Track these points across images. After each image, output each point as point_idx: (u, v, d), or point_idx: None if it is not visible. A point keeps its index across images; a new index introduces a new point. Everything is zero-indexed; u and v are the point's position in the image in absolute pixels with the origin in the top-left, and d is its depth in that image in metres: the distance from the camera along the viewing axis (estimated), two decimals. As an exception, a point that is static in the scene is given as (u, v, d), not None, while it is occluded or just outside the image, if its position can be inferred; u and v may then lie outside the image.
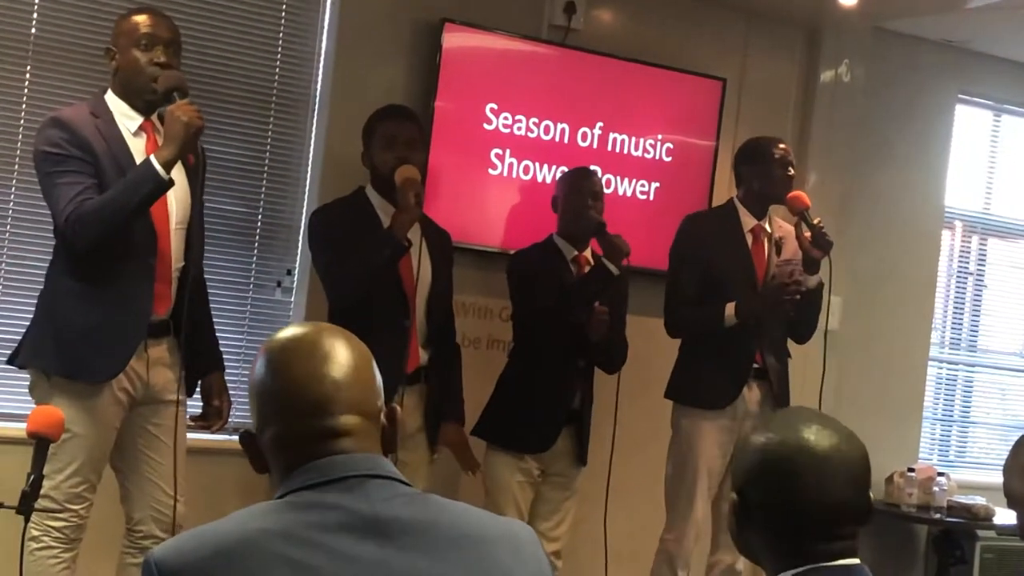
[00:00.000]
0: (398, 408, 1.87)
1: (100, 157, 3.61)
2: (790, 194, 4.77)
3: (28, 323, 3.77)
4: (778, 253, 4.81)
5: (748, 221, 4.84)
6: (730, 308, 4.65)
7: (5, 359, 3.91)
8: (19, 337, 3.80)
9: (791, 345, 4.99)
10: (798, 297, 4.63)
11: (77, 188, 3.56)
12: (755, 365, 4.79)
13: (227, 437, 4.77)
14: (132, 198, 3.56)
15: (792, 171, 4.83)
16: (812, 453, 1.97)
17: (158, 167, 3.54)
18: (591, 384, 4.74)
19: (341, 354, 1.79)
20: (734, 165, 5.00)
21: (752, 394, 4.79)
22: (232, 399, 4.01)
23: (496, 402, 4.71)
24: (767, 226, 4.87)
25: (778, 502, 1.98)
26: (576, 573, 5.10)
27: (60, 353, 3.63)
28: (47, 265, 3.79)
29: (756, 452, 2.01)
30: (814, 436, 1.98)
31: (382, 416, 1.83)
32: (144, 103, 3.72)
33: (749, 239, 4.83)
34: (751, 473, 2.01)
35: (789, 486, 1.97)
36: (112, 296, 3.66)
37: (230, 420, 4.02)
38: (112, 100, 3.71)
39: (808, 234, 4.72)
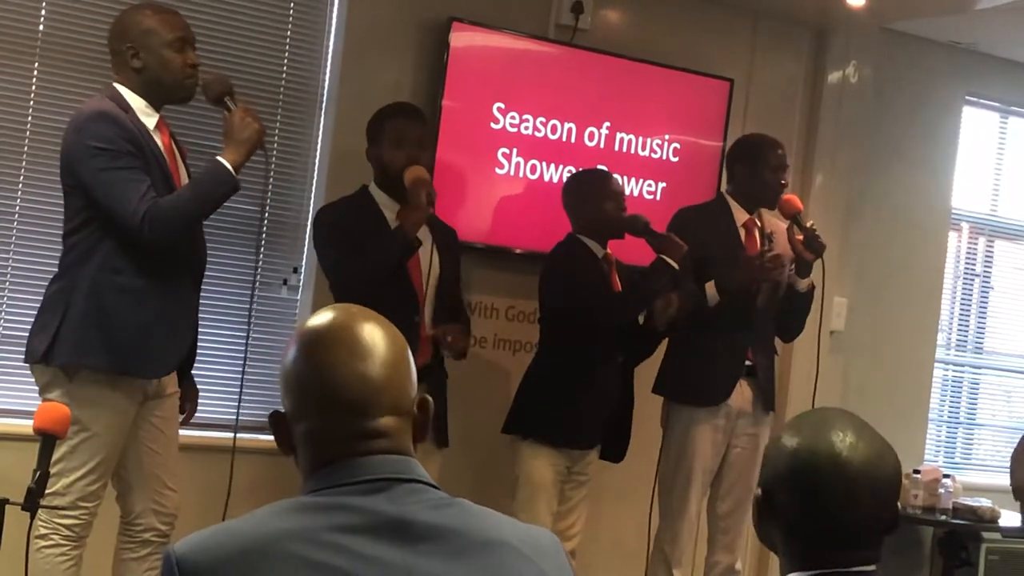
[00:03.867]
0: (430, 400, 1.84)
1: (145, 153, 3.65)
2: (783, 197, 4.78)
3: (51, 320, 3.63)
4: (769, 247, 4.81)
5: (740, 216, 4.85)
6: (710, 286, 4.65)
7: (12, 353, 3.92)
8: (26, 331, 3.78)
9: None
10: (775, 272, 4.65)
11: (143, 185, 3.59)
12: (746, 363, 4.80)
13: (226, 435, 4.78)
14: (209, 199, 3.67)
15: (786, 179, 4.83)
16: (841, 467, 1.92)
17: (231, 170, 3.64)
18: (631, 381, 4.74)
19: (380, 348, 1.75)
20: (728, 161, 5.01)
21: (744, 392, 4.80)
22: (232, 395, 4.04)
23: (536, 398, 4.64)
24: (757, 220, 4.87)
25: (801, 509, 1.95)
26: (591, 569, 5.12)
27: (112, 350, 3.61)
28: (58, 260, 3.76)
29: (785, 455, 1.97)
30: (846, 450, 1.93)
31: (414, 407, 1.80)
32: (164, 101, 3.77)
33: (741, 233, 4.83)
34: (778, 475, 1.98)
35: (813, 496, 1.94)
36: (165, 294, 3.70)
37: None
38: (130, 96, 3.70)
39: (800, 237, 4.72)
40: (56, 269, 3.77)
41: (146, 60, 3.70)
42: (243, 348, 4.82)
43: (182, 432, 4.03)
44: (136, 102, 3.70)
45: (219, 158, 3.68)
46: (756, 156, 4.86)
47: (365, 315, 1.80)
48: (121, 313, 3.63)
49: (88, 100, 3.80)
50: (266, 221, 4.88)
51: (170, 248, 3.67)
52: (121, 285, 3.63)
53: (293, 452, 1.78)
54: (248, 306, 4.84)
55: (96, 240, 3.63)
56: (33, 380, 3.76)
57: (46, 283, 3.80)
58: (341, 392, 1.73)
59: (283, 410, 1.79)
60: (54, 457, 3.43)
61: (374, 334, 1.77)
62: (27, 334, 3.79)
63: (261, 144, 3.76)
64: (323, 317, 1.79)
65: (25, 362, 3.76)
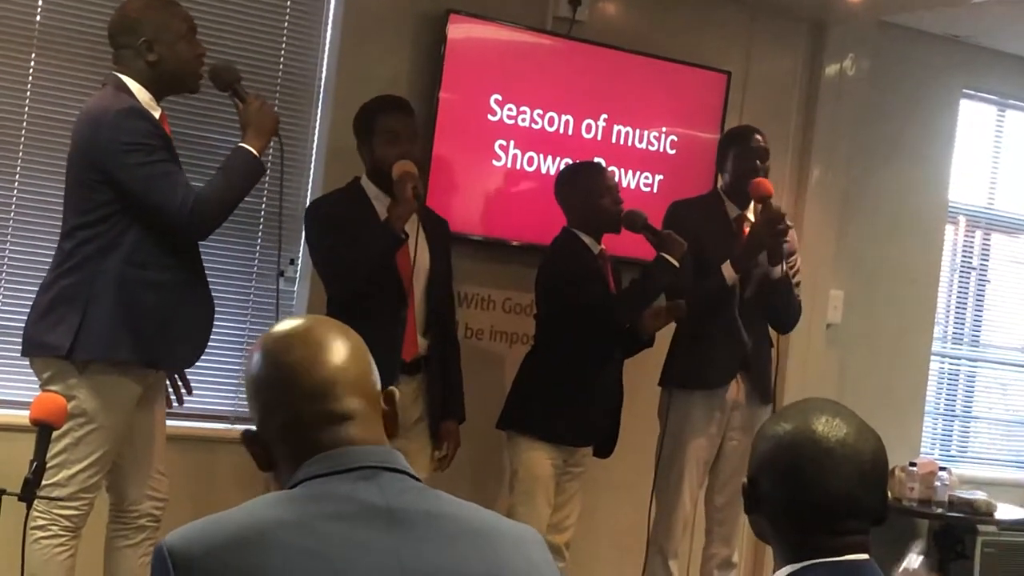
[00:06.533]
0: (395, 391, 1.88)
1: (168, 146, 3.69)
2: (753, 180, 4.77)
3: (70, 314, 3.59)
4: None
5: (732, 210, 4.85)
6: (727, 267, 4.67)
7: (9, 344, 3.92)
8: (22, 324, 3.78)
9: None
10: (787, 239, 4.68)
11: (182, 178, 3.66)
12: (744, 355, 4.81)
13: (223, 426, 4.80)
14: (245, 187, 3.77)
15: (760, 163, 4.81)
16: (817, 445, 1.95)
17: (257, 156, 3.74)
18: (621, 376, 4.74)
19: (337, 342, 1.82)
20: (716, 155, 5.05)
21: (741, 385, 4.81)
22: (231, 387, 4.03)
23: (534, 394, 4.63)
24: (750, 215, 4.87)
25: (783, 492, 1.98)
26: (587, 562, 5.13)
27: (140, 345, 3.63)
28: (60, 252, 3.73)
29: (767, 441, 2.01)
30: (823, 428, 1.97)
31: (381, 400, 1.85)
32: (170, 92, 3.82)
33: (734, 228, 4.84)
34: (761, 462, 2.01)
35: (793, 477, 1.97)
36: (188, 287, 3.75)
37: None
38: (136, 88, 3.71)
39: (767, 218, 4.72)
40: (53, 260, 3.76)
41: (161, 54, 3.71)
42: (240, 339, 4.85)
43: (182, 424, 4.06)
44: (142, 94, 3.70)
45: (244, 145, 3.75)
46: (731, 144, 4.93)
47: (326, 322, 1.88)
48: (150, 307, 3.65)
49: (99, 93, 3.77)
50: (263, 213, 4.88)
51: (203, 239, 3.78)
52: (148, 279, 3.65)
53: (271, 467, 1.81)
54: (247, 297, 4.86)
55: (118, 233, 3.63)
56: (31, 371, 3.76)
57: (43, 274, 3.79)
58: (304, 376, 1.77)
59: (253, 428, 1.82)
60: (57, 448, 3.47)
61: (331, 333, 1.83)
62: (20, 323, 3.78)
63: (277, 132, 3.85)
64: (282, 325, 1.87)
65: (27, 355, 3.74)
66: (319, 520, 1.65)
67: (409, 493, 1.73)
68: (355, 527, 1.66)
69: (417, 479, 1.77)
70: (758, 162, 4.80)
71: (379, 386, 1.85)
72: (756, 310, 4.83)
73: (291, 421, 1.77)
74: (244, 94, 3.86)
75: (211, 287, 4.07)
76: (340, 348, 1.81)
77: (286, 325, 1.85)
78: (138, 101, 3.66)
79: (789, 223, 4.74)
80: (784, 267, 4.77)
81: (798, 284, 4.93)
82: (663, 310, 4.58)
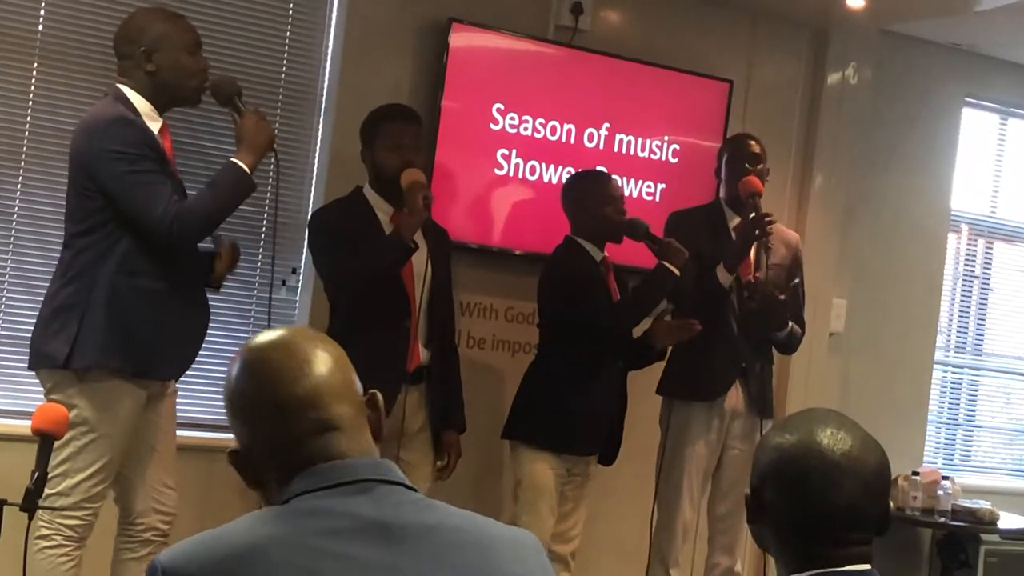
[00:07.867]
0: (378, 393, 1.86)
1: (161, 157, 3.68)
2: (742, 179, 4.77)
3: (68, 324, 3.60)
4: (767, 255, 4.79)
5: (733, 219, 4.85)
6: (720, 269, 4.67)
7: (11, 354, 3.91)
8: (26, 332, 3.78)
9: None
10: (770, 232, 4.66)
11: (167, 189, 3.64)
12: (743, 364, 4.81)
13: (225, 436, 4.78)
14: (232, 202, 3.75)
15: (750, 166, 4.81)
16: (822, 457, 1.95)
17: (248, 172, 3.72)
18: (624, 385, 4.74)
19: (318, 352, 1.80)
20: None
21: (739, 395, 4.81)
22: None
23: (536, 404, 4.61)
24: None
25: (787, 503, 1.98)
26: (590, 570, 5.12)
27: (133, 353, 3.63)
28: (57, 261, 3.75)
29: (771, 451, 2.01)
30: (827, 440, 1.96)
31: (365, 406, 1.83)
32: (171, 104, 3.81)
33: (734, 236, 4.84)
34: (764, 472, 2.01)
35: (797, 489, 1.96)
36: (180, 295, 3.73)
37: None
38: (136, 99, 3.71)
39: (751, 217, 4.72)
40: (55, 270, 3.76)
41: (160, 63, 3.71)
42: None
43: (183, 433, 4.04)
44: (143, 105, 3.71)
45: (235, 160, 3.73)
46: (723, 152, 4.97)
47: (305, 333, 1.86)
48: (142, 315, 3.64)
49: (98, 103, 3.79)
50: (265, 222, 4.88)
51: (189, 249, 3.74)
52: (140, 287, 3.64)
53: (260, 486, 1.79)
54: (249, 306, 4.85)
55: (112, 242, 3.63)
56: (35, 381, 3.76)
57: (46, 284, 3.79)
58: (287, 390, 1.75)
59: (237, 446, 1.80)
60: (60, 457, 3.47)
61: (310, 344, 1.81)
62: (27, 335, 3.78)
63: (272, 147, 3.83)
64: (262, 336, 1.84)
65: (32, 368, 3.74)
66: (313, 537, 1.64)
67: (405, 506, 1.72)
68: (350, 543, 1.65)
69: (413, 489, 1.77)
70: (747, 165, 4.81)
71: (362, 392, 1.83)
72: (756, 323, 4.82)
73: (278, 433, 1.75)
74: (242, 108, 3.85)
75: (212, 297, 4.07)
76: (324, 357, 1.79)
77: (265, 337, 1.83)
78: (134, 111, 3.67)
79: (772, 218, 4.72)
80: (790, 327, 4.80)
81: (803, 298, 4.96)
82: (675, 328, 4.58)
